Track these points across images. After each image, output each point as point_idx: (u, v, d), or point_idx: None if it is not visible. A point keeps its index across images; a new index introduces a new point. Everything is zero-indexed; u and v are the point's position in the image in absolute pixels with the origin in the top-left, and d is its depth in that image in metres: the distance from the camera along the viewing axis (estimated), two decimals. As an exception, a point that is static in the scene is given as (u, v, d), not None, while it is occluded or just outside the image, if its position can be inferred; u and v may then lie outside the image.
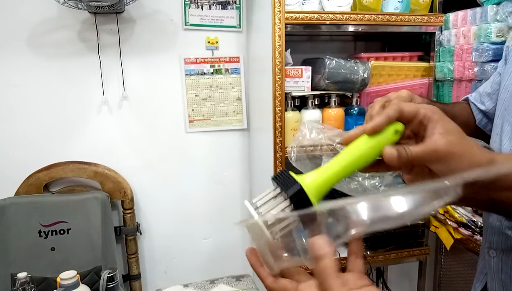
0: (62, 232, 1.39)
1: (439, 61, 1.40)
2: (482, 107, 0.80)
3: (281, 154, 1.30)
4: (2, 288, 1.34)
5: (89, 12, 1.42)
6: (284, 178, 0.42)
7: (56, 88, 1.48)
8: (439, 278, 1.79)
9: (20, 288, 0.99)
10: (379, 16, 1.31)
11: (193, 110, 1.61)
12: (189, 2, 1.52)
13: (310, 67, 1.33)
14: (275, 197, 0.41)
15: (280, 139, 1.29)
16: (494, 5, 1.16)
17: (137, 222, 1.58)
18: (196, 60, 1.57)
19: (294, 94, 1.32)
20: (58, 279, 0.96)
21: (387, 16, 1.32)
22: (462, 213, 1.29)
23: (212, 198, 1.70)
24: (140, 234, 1.60)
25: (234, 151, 1.68)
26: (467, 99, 0.85)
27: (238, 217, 1.74)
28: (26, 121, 1.47)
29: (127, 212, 1.53)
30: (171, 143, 1.62)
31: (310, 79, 1.34)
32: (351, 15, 1.28)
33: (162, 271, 1.70)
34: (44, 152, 1.49)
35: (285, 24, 1.23)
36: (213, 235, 1.73)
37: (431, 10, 1.40)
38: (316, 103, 1.37)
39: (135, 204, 1.57)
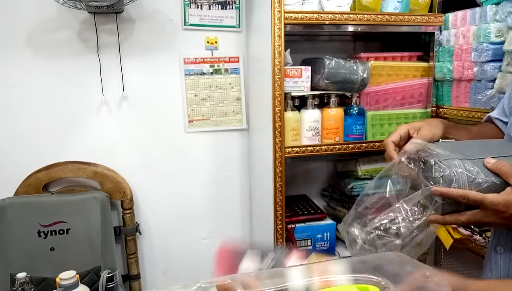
0: (61, 232, 1.39)
1: (438, 61, 1.40)
2: (506, 119, 0.82)
3: (280, 154, 1.30)
4: (1, 288, 1.34)
5: (88, 12, 1.42)
6: None
7: (56, 88, 1.47)
8: (438, 278, 1.78)
9: (20, 288, 0.99)
10: (378, 16, 1.31)
11: (192, 110, 1.61)
12: (189, 2, 1.52)
13: (309, 67, 1.33)
14: None
15: (280, 139, 1.29)
16: (494, 5, 1.16)
17: (136, 222, 1.58)
18: (196, 60, 1.57)
19: (293, 94, 1.32)
20: (57, 279, 0.96)
21: (387, 16, 1.32)
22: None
23: (212, 197, 1.70)
24: (140, 234, 1.60)
25: (233, 151, 1.68)
26: (489, 118, 0.90)
27: (238, 217, 1.74)
28: (25, 121, 1.47)
29: (127, 212, 1.53)
30: (171, 143, 1.62)
31: (309, 79, 1.34)
32: (351, 15, 1.28)
33: (162, 271, 1.70)
34: (43, 152, 1.49)
35: (285, 24, 1.23)
36: (212, 235, 1.73)
37: (431, 10, 1.40)
38: (316, 103, 1.37)
39: (135, 204, 1.57)
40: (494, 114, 0.89)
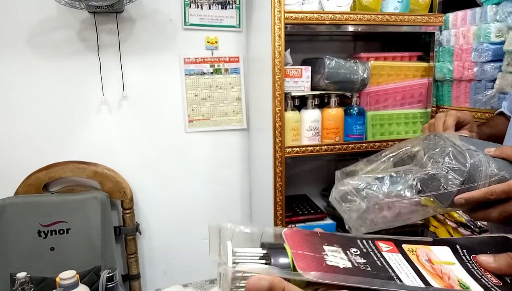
0: (61, 232, 1.39)
1: (438, 61, 1.40)
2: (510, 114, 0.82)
3: (280, 154, 1.30)
4: (1, 288, 1.34)
5: (88, 12, 1.42)
6: (276, 247, 0.40)
7: (56, 88, 1.47)
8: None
9: (20, 288, 0.99)
10: (378, 16, 1.31)
11: (192, 110, 1.61)
12: (189, 1, 1.52)
13: (309, 67, 1.33)
14: (259, 257, 0.39)
15: (280, 139, 1.29)
16: (494, 5, 1.16)
17: (136, 222, 1.58)
18: (196, 60, 1.57)
19: (293, 94, 1.32)
20: (57, 279, 0.96)
21: (387, 16, 1.32)
22: (461, 213, 1.29)
23: (212, 197, 1.70)
24: (140, 233, 1.60)
25: (233, 151, 1.68)
26: (501, 113, 0.89)
27: (238, 217, 1.74)
28: (25, 121, 1.47)
29: (127, 211, 1.53)
30: (171, 143, 1.62)
31: (309, 79, 1.34)
32: (351, 15, 1.28)
33: (162, 271, 1.70)
34: (43, 152, 1.49)
35: (285, 24, 1.23)
36: (212, 235, 1.73)
37: (431, 10, 1.40)
38: (316, 103, 1.37)
39: (135, 203, 1.57)
40: (505, 109, 0.90)
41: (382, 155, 0.66)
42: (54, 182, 1.51)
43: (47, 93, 1.47)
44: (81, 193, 1.47)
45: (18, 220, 1.36)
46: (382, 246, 0.42)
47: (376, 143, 1.38)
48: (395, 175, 0.61)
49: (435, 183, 0.57)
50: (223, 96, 1.62)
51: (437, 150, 0.60)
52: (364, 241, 0.42)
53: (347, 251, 0.40)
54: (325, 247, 0.40)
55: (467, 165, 0.55)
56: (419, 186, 0.59)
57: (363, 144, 1.37)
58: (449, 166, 0.56)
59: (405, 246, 0.43)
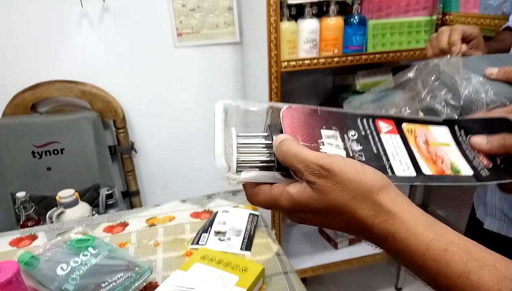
0: (56, 152, 1.38)
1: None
2: None
3: (276, 68, 1.24)
4: (3, 207, 1.37)
5: None
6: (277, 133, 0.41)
7: (29, 1, 1.34)
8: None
9: (21, 206, 1.01)
10: None
11: (181, 22, 1.49)
12: None
13: (308, -30, 1.21)
14: (263, 146, 0.43)
15: (275, 52, 1.22)
16: None
17: (131, 141, 1.57)
18: (181, -36, 1.41)
19: (290, 2, 1.22)
20: (57, 198, 0.97)
21: None
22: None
23: (206, 114, 1.67)
24: (136, 152, 1.61)
25: (226, 66, 1.61)
26: (508, 28, 0.84)
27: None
28: (2, 39, 1.36)
29: (120, 131, 1.50)
30: (160, 59, 1.53)
31: (307, -16, 1.22)
32: None
33: (161, 187, 1.74)
34: (26, 71, 1.40)
35: None
36: (209, 151, 1.74)
37: None
38: (314, 12, 1.27)
39: (128, 122, 1.54)
40: (510, 22, 0.84)
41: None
42: (41, 102, 1.46)
43: (21, 9, 1.34)
44: (71, 113, 1.43)
45: (10, 141, 1.34)
46: (382, 125, 0.42)
47: (377, 55, 1.32)
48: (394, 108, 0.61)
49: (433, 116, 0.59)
50: (213, 6, 1.49)
51: (434, 83, 0.59)
52: (364, 121, 0.42)
53: (345, 135, 0.40)
54: (323, 132, 0.40)
55: (461, 96, 0.54)
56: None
57: (362, 56, 1.31)
58: (444, 99, 0.56)
59: (404, 126, 0.43)
